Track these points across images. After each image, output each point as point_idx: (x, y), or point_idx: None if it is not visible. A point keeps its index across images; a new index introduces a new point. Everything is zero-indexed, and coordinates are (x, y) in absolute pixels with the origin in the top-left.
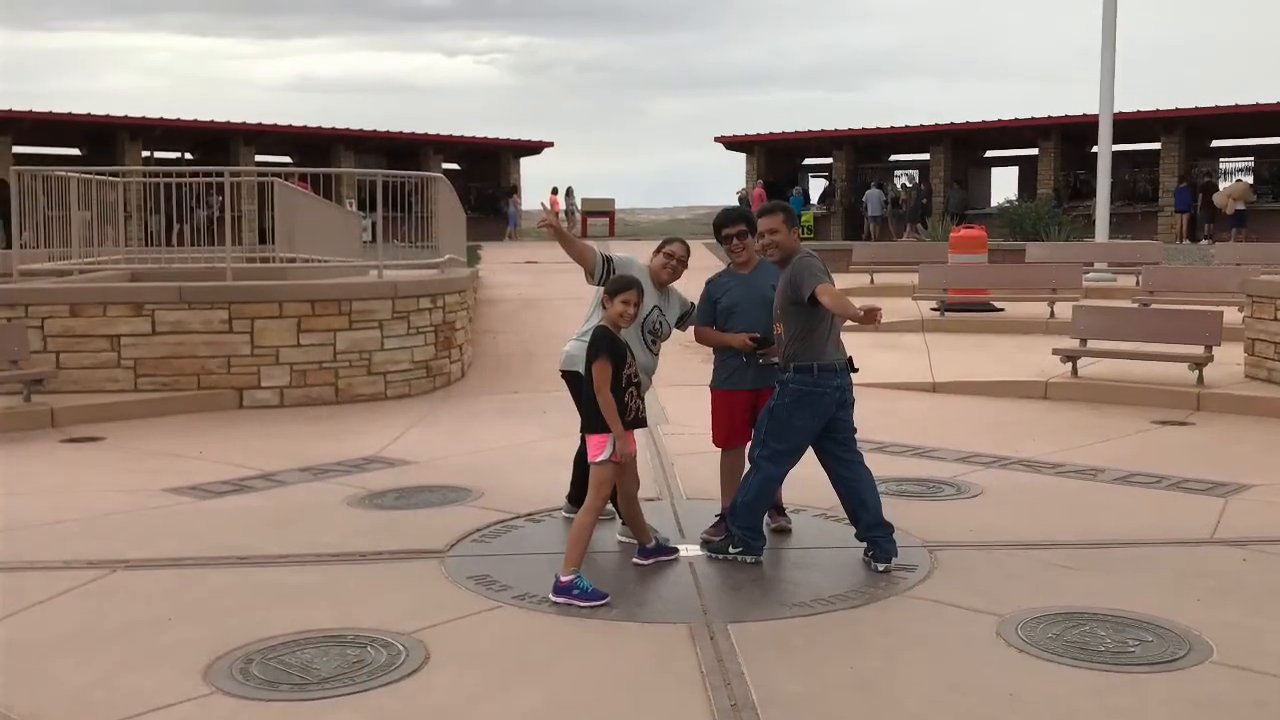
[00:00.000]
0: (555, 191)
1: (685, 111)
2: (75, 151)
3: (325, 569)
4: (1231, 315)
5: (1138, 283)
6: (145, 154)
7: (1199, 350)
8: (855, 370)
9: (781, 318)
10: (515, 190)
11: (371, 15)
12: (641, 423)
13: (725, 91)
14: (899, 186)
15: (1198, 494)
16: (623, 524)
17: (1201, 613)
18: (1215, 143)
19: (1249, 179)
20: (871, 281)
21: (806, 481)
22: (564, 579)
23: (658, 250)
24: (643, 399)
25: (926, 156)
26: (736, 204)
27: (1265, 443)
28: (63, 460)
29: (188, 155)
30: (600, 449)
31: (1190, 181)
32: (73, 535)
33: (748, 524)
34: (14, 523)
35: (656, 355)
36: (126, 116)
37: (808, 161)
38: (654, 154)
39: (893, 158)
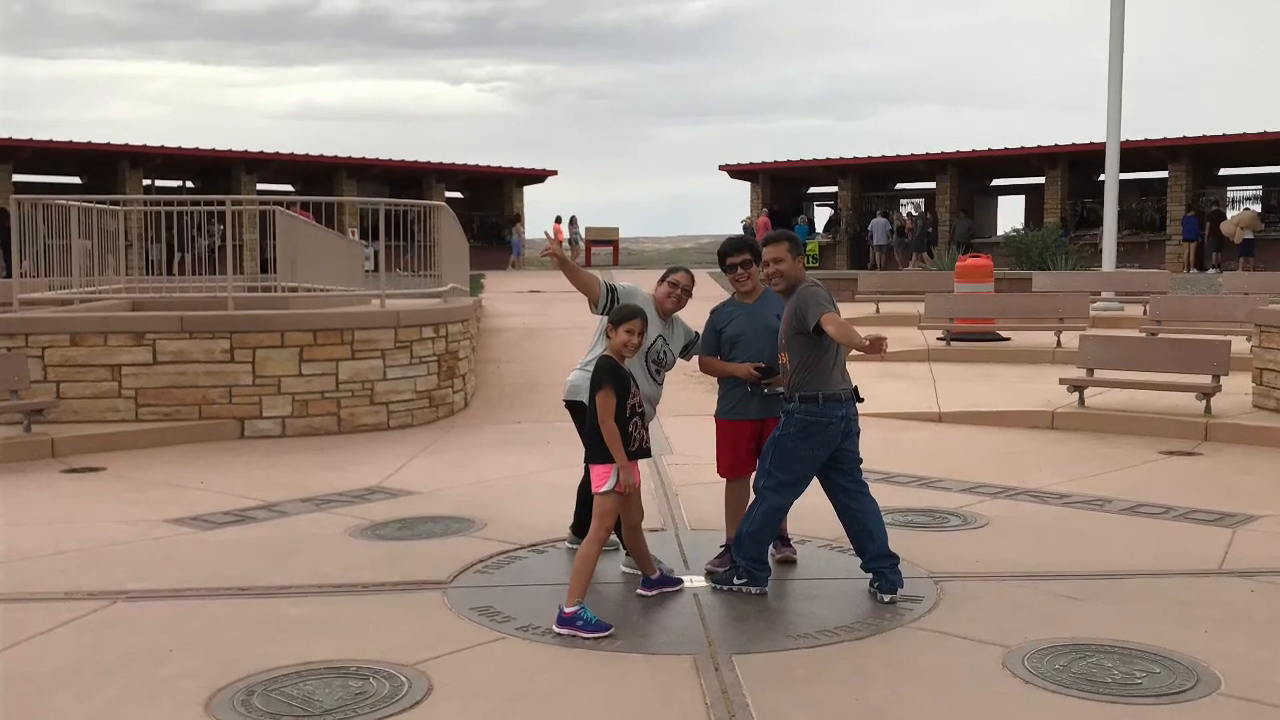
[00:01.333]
0: (559, 220)
1: (690, 139)
2: (76, 180)
3: (327, 600)
4: (1239, 345)
5: (1145, 312)
6: (146, 182)
7: (1207, 380)
8: (860, 400)
9: (786, 347)
10: (519, 219)
11: (374, 43)
12: (645, 453)
13: (730, 119)
14: (904, 215)
15: (1205, 524)
16: (627, 555)
17: (1209, 644)
18: (1223, 171)
19: (1257, 207)
20: (877, 311)
21: (811, 512)
22: (568, 610)
23: (662, 279)
24: (647, 429)
25: (932, 185)
26: (741, 233)
27: (1273, 473)
28: (63, 491)
29: (189, 184)
30: (604, 479)
31: (1198, 210)
32: (73, 566)
33: (752, 555)
34: (14, 553)
35: (661, 385)
36: (127, 144)
37: (813, 190)
38: (658, 182)
39: (898, 186)
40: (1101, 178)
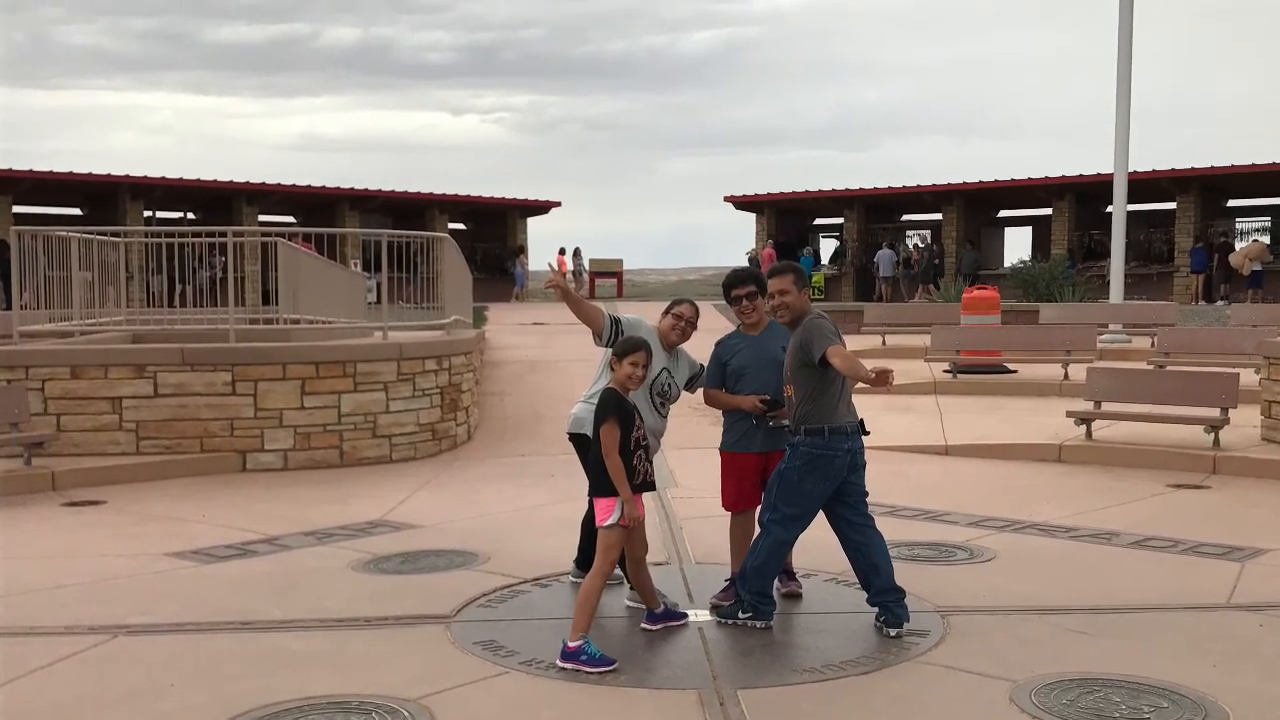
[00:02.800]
0: (563, 252)
1: (694, 171)
2: (76, 211)
3: (329, 634)
4: (1248, 377)
5: (1153, 344)
6: (147, 214)
7: (1215, 413)
8: (866, 433)
9: (792, 379)
10: (522, 250)
11: (376, 73)
12: (650, 486)
13: (735, 150)
14: (911, 247)
15: (1214, 558)
16: (631, 589)
17: (1217, 678)
18: (1231, 202)
19: (1265, 239)
20: (883, 343)
21: (817, 545)
22: (571, 644)
23: (666, 311)
24: (651, 462)
25: (939, 216)
26: (746, 264)
27: None
28: (63, 524)
29: (190, 215)
30: (608, 513)
31: (1206, 241)
32: (74, 600)
33: (758, 589)
34: (14, 587)
35: (665, 418)
36: (128, 176)
37: (818, 221)
38: (663, 214)
39: (905, 217)
40: (1109, 209)
